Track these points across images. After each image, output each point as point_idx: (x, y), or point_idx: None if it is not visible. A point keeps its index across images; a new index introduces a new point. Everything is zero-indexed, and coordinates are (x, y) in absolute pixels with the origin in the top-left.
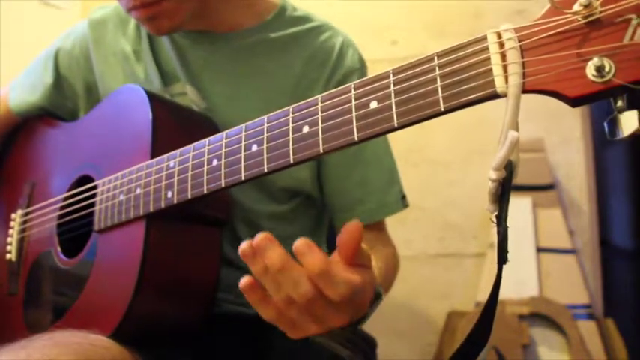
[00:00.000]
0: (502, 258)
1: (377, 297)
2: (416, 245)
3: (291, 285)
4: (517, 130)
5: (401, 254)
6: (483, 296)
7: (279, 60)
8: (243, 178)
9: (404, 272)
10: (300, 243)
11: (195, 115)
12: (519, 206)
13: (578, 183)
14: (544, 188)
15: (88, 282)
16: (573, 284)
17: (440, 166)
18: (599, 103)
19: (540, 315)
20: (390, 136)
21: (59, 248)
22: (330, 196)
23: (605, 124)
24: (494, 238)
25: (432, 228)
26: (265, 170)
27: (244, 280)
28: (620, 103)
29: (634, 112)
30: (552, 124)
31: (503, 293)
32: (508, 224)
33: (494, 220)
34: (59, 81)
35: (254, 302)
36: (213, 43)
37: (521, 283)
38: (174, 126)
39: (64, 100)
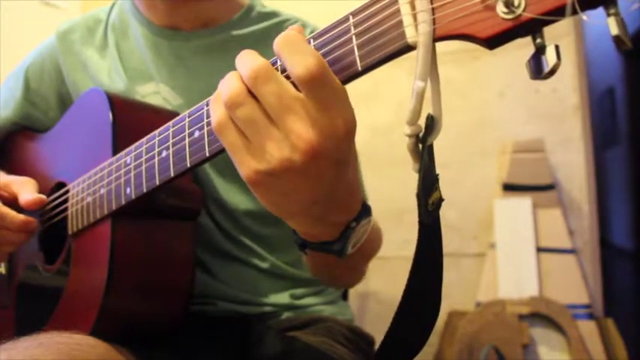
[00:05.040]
0: (422, 209)
1: (365, 211)
2: (415, 246)
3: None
4: (437, 81)
5: (400, 254)
6: (483, 296)
7: None
8: (188, 165)
9: (404, 272)
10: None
11: (160, 112)
12: (519, 206)
13: (578, 183)
14: (544, 188)
15: (67, 286)
16: (573, 284)
17: (440, 166)
18: (599, 103)
19: (540, 315)
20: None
21: (42, 256)
22: None
23: (528, 65)
24: (494, 238)
25: None
26: (207, 154)
27: None
28: (539, 40)
29: (552, 47)
30: (552, 124)
31: (504, 293)
32: (507, 224)
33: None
34: (31, 95)
35: None
36: (187, 41)
37: (521, 283)
38: (136, 125)
39: (38, 114)
